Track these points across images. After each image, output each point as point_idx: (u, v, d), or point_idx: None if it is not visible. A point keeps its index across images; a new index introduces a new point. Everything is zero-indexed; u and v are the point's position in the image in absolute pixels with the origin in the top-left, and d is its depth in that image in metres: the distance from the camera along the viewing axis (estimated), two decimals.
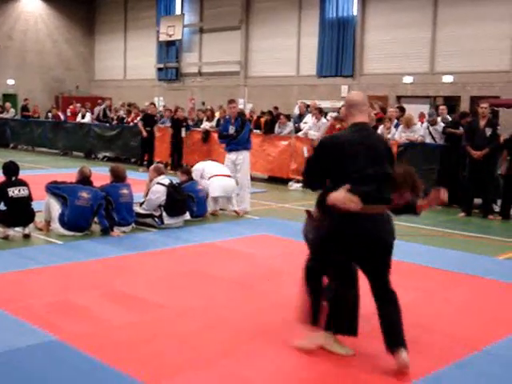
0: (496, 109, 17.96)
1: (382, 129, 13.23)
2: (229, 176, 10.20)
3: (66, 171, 13.94)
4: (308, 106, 16.63)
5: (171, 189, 9.09)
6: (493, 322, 5.35)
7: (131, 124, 18.87)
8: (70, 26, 34.86)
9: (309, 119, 14.84)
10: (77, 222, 8.19)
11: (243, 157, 10.66)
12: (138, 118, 18.10)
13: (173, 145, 16.80)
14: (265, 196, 12.74)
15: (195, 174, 10.16)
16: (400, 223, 9.98)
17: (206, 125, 16.93)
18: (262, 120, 16.60)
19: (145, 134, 16.95)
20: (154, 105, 18.72)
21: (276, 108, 18.18)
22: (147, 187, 9.32)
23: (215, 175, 10.06)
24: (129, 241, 8.14)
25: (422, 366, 4.30)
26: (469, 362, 4.41)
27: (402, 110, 14.67)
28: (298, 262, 7.04)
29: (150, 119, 17.37)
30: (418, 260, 7.34)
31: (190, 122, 17.45)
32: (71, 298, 5.61)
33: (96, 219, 8.45)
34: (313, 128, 14.31)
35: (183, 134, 16.61)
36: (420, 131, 12.89)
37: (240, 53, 28.17)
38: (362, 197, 4.03)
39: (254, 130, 15.78)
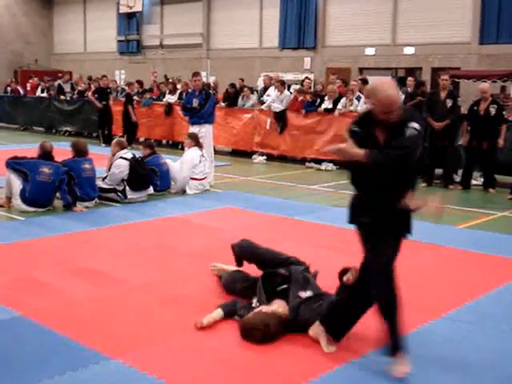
0: (457, 80, 18.14)
1: (344, 101, 13.28)
2: (204, 178, 10.08)
3: (27, 146, 13.73)
4: (271, 78, 16.58)
5: (134, 163, 9.03)
6: (454, 289, 5.46)
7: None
8: None
9: (272, 92, 14.80)
10: (38, 197, 8.10)
11: (205, 130, 10.64)
12: (90, 92, 17.89)
13: (123, 119, 16.63)
14: (229, 169, 12.74)
15: (187, 166, 9.89)
16: None
17: (168, 98, 16.77)
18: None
19: (99, 105, 16.83)
20: (107, 77, 18.41)
21: (242, 80, 18.08)
22: (110, 162, 9.24)
23: (195, 179, 9.89)
24: (92, 216, 8.09)
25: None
26: (429, 329, 4.51)
27: (365, 81, 14.72)
28: (263, 234, 7.09)
29: (103, 92, 17.17)
30: None
31: (147, 96, 17.16)
32: (34, 274, 5.57)
33: (58, 195, 8.36)
34: (276, 101, 14.29)
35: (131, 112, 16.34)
36: None
37: (202, 25, 27.87)
38: None
39: (221, 103, 15.66)
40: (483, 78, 17.45)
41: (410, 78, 13.98)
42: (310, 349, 4.13)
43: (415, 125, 3.72)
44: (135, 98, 16.90)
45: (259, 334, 4.19)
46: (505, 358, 4.08)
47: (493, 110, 10.65)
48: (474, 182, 11.18)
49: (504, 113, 10.98)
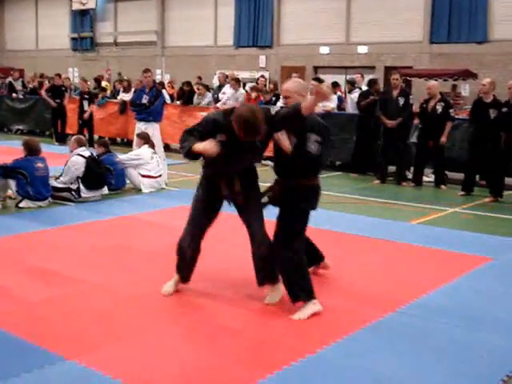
0: (409, 79, 18.44)
1: None
2: (159, 176, 10.08)
3: None
4: (227, 76, 16.60)
5: (91, 161, 8.95)
6: (407, 283, 5.57)
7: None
8: None
9: (227, 90, 14.83)
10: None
11: (153, 129, 10.63)
12: (43, 90, 17.60)
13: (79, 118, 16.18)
14: (183, 167, 12.69)
15: (130, 162, 9.87)
16: None
17: (122, 96, 16.62)
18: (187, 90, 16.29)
19: (53, 104, 16.56)
20: (60, 75, 18.09)
21: (200, 78, 18.04)
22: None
23: (148, 176, 9.88)
24: (46, 215, 7.99)
25: (337, 329, 4.45)
26: (383, 324, 4.59)
27: (320, 81, 14.83)
28: (220, 232, 7.10)
29: (57, 90, 16.91)
30: (334, 227, 7.53)
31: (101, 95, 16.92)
32: None
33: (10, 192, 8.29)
34: (231, 98, 14.31)
35: (85, 107, 15.65)
36: (335, 101, 13.11)
37: (156, 22, 27.72)
38: None
39: (176, 101, 15.58)
40: (434, 76, 17.81)
41: (357, 75, 14.13)
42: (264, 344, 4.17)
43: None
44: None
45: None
46: (457, 350, 4.18)
47: (439, 108, 10.85)
48: (426, 178, 11.39)
49: (450, 111, 11.03)
